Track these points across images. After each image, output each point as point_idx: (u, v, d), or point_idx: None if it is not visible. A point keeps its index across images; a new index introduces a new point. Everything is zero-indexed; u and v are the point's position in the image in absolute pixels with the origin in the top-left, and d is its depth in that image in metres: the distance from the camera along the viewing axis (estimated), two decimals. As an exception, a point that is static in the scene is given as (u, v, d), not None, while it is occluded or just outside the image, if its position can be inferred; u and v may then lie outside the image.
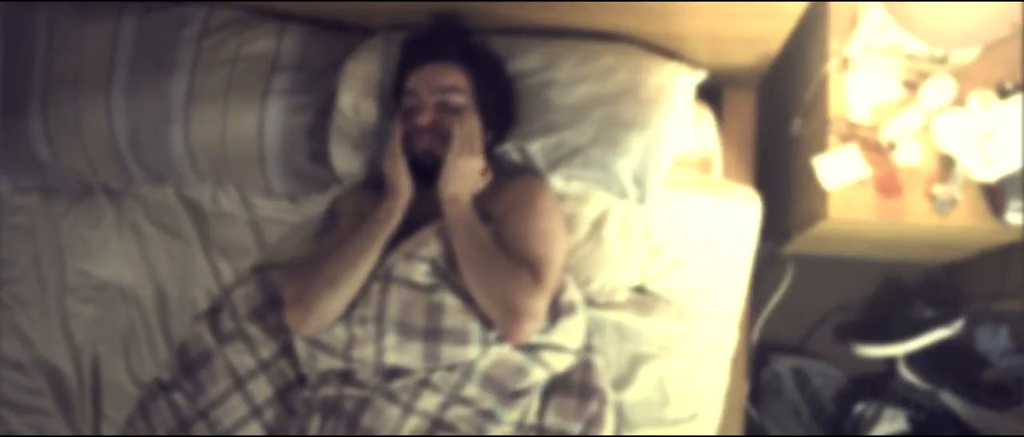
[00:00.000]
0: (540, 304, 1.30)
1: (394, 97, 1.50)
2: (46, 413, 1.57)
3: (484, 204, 1.40)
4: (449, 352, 1.31)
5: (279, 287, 1.53)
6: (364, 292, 1.35)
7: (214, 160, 1.58)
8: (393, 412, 1.32)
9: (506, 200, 1.41)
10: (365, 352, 1.33)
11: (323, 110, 1.57)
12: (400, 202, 1.38)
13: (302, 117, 1.55)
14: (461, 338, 1.31)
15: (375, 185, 1.49)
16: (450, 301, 1.33)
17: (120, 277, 1.64)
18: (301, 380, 1.47)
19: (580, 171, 1.47)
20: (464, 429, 1.32)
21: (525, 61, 1.53)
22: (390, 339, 1.32)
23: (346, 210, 1.49)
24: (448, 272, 1.35)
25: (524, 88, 1.52)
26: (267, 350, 1.48)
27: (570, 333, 1.36)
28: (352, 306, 1.35)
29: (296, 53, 1.57)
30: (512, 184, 1.44)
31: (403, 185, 1.37)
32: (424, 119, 1.39)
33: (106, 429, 1.55)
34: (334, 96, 1.56)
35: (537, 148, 1.48)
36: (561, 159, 1.48)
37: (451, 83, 1.41)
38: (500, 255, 1.32)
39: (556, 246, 1.38)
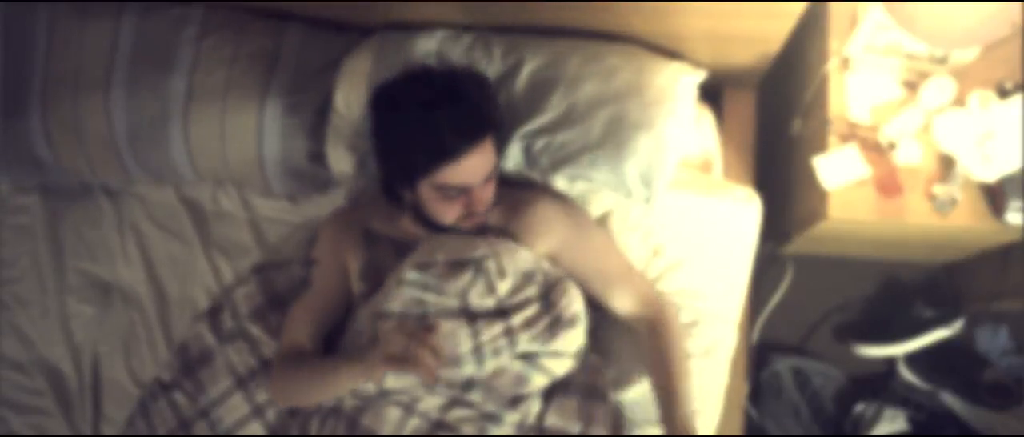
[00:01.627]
0: (651, 290, 1.40)
1: (397, 191, 1.37)
2: (46, 413, 1.57)
3: (502, 222, 1.39)
4: (446, 375, 1.32)
5: (281, 286, 1.53)
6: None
7: (213, 160, 1.58)
8: (394, 413, 1.32)
9: (525, 224, 1.39)
10: (366, 386, 1.35)
11: (321, 110, 1.57)
12: (367, 378, 1.29)
13: (300, 117, 1.55)
14: (453, 363, 1.31)
15: (354, 205, 1.49)
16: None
17: (120, 277, 1.64)
18: None
19: (587, 171, 1.46)
20: (466, 430, 1.32)
21: (530, 59, 1.52)
22: (389, 378, 1.33)
23: (323, 256, 1.45)
24: (425, 307, 1.34)
25: (529, 86, 1.51)
26: (269, 349, 1.48)
27: (570, 341, 1.36)
28: None
29: (295, 53, 1.57)
30: (525, 207, 1.41)
31: (378, 377, 1.29)
32: (483, 206, 1.33)
33: (106, 429, 1.55)
34: (331, 96, 1.57)
35: (542, 146, 1.48)
36: (567, 158, 1.47)
37: (493, 159, 1.31)
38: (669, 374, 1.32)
39: (612, 247, 1.43)
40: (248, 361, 1.48)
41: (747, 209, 1.51)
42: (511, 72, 1.51)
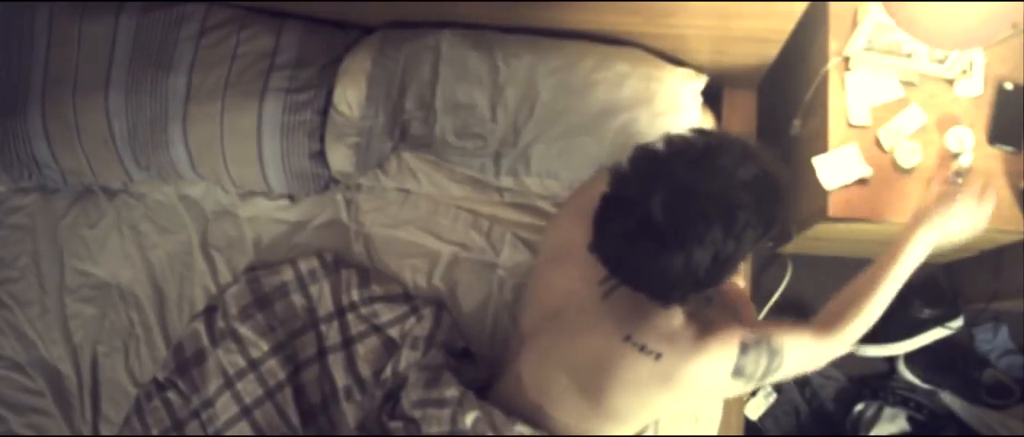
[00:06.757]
0: None
1: None
2: (45, 413, 1.57)
3: None
4: None
5: (268, 287, 1.53)
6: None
7: (213, 159, 1.58)
8: (445, 413, 1.30)
9: None
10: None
11: (321, 108, 1.57)
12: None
13: (300, 115, 1.55)
14: None
15: None
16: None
17: (119, 277, 1.64)
18: (291, 379, 1.47)
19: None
20: None
21: (537, 63, 1.52)
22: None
23: None
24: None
25: (538, 90, 1.51)
26: (257, 350, 1.48)
27: None
28: None
29: (294, 51, 1.57)
30: None
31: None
32: None
33: (105, 429, 1.55)
34: (332, 94, 1.56)
35: (553, 152, 1.48)
36: (578, 166, 1.48)
37: None
38: None
39: None
40: (237, 361, 1.47)
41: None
42: (517, 75, 1.51)
